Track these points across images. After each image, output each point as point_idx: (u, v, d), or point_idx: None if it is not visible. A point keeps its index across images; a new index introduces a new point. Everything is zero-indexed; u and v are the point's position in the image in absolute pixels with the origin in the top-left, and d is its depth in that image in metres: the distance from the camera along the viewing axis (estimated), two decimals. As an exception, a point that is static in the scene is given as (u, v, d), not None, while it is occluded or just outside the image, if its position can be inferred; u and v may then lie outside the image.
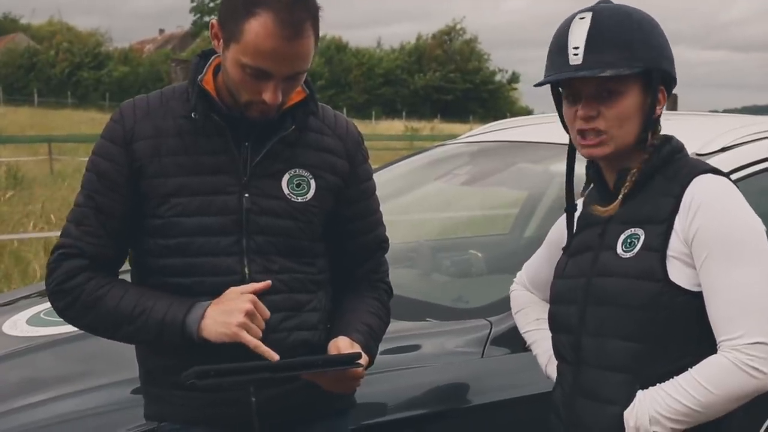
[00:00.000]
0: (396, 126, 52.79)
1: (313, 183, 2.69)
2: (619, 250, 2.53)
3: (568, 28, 2.55)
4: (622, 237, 2.53)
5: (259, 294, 2.58)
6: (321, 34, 2.60)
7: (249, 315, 2.50)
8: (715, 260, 2.40)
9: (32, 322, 3.98)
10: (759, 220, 2.48)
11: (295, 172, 2.68)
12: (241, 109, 2.59)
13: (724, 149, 3.81)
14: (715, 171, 2.53)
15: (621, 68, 2.48)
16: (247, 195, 2.62)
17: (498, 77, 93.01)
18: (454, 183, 5.20)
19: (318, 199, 2.70)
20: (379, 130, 40.73)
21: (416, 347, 3.42)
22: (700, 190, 2.46)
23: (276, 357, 2.49)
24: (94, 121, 45.27)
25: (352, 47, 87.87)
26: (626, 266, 2.50)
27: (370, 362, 2.69)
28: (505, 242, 5.33)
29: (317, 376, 2.57)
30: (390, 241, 2.96)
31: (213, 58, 2.67)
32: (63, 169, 24.29)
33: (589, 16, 2.53)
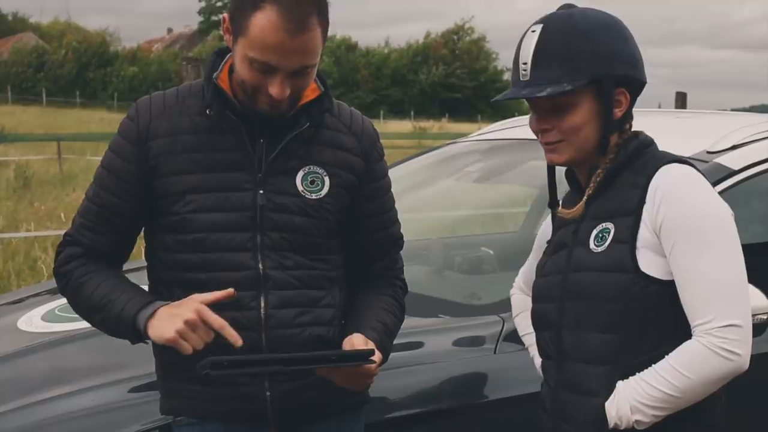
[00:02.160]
0: (404, 125, 52.73)
1: (327, 180, 2.70)
2: (591, 245, 2.57)
3: (522, 40, 2.59)
4: (594, 232, 2.58)
5: (271, 289, 2.62)
6: (330, 33, 2.61)
7: (189, 324, 2.46)
8: (683, 248, 2.44)
9: (47, 318, 4.00)
10: (724, 206, 2.51)
11: (310, 169, 2.69)
12: (251, 102, 2.60)
13: (734, 147, 3.81)
14: (681, 161, 2.56)
15: (563, 83, 2.51)
16: (261, 192, 2.64)
17: (506, 76, 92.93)
18: (466, 180, 5.21)
19: (332, 196, 2.71)
20: (387, 130, 40.73)
21: (429, 344, 3.43)
22: (664, 180, 2.50)
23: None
24: (102, 121, 45.30)
25: (361, 47, 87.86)
26: (598, 260, 2.54)
27: (385, 359, 2.71)
28: (517, 239, 5.33)
29: (330, 371, 2.59)
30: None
31: (228, 56, 2.68)
32: (72, 168, 24.28)
33: (539, 29, 2.55)
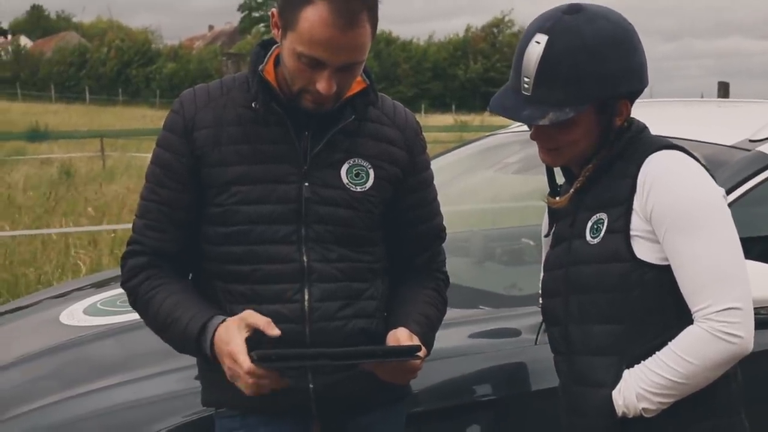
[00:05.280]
0: (446, 119, 52.63)
1: (371, 173, 2.70)
2: (588, 236, 2.57)
3: (525, 49, 2.53)
4: (590, 223, 2.57)
5: (315, 282, 2.62)
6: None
7: (230, 373, 2.51)
8: (674, 235, 2.43)
9: (89, 312, 4.03)
10: (713, 189, 2.49)
11: (355, 161, 2.69)
12: (296, 100, 2.60)
13: (776, 135, 3.78)
14: (670, 146, 2.54)
15: (565, 108, 2.48)
16: (306, 184, 2.63)
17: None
18: (506, 172, 5.20)
19: (376, 188, 2.71)
20: (429, 123, 40.74)
21: (470, 335, 3.43)
22: (652, 168, 2.48)
23: None
24: (145, 118, 45.54)
25: (401, 41, 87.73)
26: (595, 252, 2.54)
27: (428, 352, 2.71)
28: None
29: (376, 366, 2.59)
30: (443, 231, 2.96)
31: (274, 48, 2.68)
32: (115, 165, 24.44)
33: (544, 41, 2.49)
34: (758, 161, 3.64)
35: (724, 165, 3.62)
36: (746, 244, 2.50)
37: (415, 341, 2.58)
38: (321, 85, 2.52)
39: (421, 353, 2.54)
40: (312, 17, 2.46)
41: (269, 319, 2.52)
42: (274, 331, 2.49)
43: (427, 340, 2.71)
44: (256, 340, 2.48)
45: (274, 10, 2.59)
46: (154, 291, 2.68)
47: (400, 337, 2.60)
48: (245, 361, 2.44)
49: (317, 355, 2.52)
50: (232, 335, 2.50)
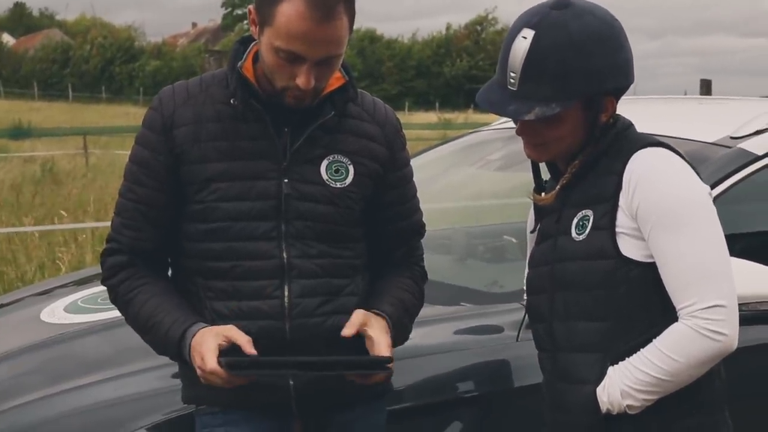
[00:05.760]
0: (429, 117, 52.70)
1: (351, 169, 2.70)
2: (573, 233, 2.56)
3: (511, 43, 2.53)
4: (575, 220, 2.57)
5: (295, 278, 2.62)
6: (357, 25, 2.60)
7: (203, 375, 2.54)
8: (659, 232, 2.43)
9: (70, 309, 4.01)
10: (698, 186, 2.50)
11: (334, 158, 2.69)
12: (277, 97, 2.60)
13: (759, 132, 3.79)
14: (656, 143, 2.55)
15: (551, 104, 2.48)
16: (286, 180, 2.63)
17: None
18: (488, 169, 5.20)
19: (356, 184, 2.70)
20: (412, 121, 40.74)
21: (452, 331, 3.43)
22: (638, 165, 2.48)
23: None
24: (128, 115, 45.47)
25: (386, 39, 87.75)
26: (580, 248, 2.54)
27: (405, 336, 2.75)
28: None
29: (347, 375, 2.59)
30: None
31: (253, 44, 2.68)
32: (98, 163, 24.39)
33: (531, 36, 2.49)
34: (739, 158, 3.65)
35: (706, 162, 3.61)
36: (727, 241, 2.50)
37: (372, 321, 2.62)
38: (300, 80, 2.52)
39: (390, 365, 2.55)
40: (288, 11, 2.46)
41: (250, 339, 2.53)
42: (252, 350, 2.50)
43: (402, 324, 2.73)
44: (230, 349, 2.50)
45: (251, 6, 2.59)
46: (135, 291, 2.69)
47: (353, 319, 2.62)
48: (209, 361, 2.47)
49: (285, 364, 2.53)
50: (205, 338, 2.52)
